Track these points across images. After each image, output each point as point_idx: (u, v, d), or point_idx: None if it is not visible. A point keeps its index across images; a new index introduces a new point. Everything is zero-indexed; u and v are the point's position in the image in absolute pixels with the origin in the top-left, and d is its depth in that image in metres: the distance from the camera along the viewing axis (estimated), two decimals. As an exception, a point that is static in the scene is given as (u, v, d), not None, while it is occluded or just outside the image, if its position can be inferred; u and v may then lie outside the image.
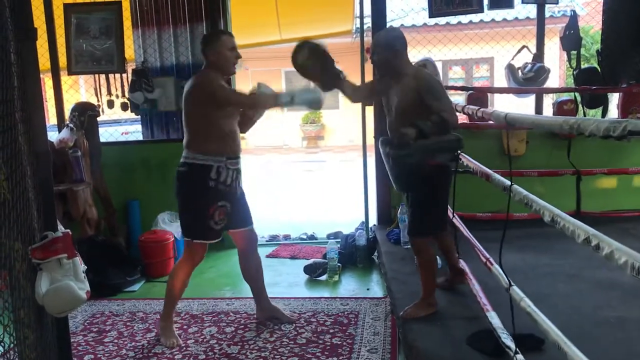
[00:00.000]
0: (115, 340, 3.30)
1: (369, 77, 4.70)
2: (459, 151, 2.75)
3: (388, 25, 4.77)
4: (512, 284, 2.05)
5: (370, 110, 4.72)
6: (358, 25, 5.64)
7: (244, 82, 14.59)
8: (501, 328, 2.22)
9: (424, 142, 2.64)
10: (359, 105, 4.91)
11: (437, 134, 2.65)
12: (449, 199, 2.90)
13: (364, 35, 4.91)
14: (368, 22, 4.89)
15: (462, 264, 3.05)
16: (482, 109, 2.28)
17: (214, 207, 3.07)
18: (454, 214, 3.08)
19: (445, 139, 2.69)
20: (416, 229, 2.88)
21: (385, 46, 2.82)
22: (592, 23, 5.89)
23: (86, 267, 2.08)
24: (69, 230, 2.03)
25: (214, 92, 3.01)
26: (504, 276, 2.11)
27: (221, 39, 3.11)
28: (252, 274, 3.41)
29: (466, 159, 2.82)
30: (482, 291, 2.62)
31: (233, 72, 3.21)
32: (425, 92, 2.71)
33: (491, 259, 2.41)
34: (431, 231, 2.91)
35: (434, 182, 2.80)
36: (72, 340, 3.12)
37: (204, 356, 3.03)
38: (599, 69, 4.70)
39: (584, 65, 4.82)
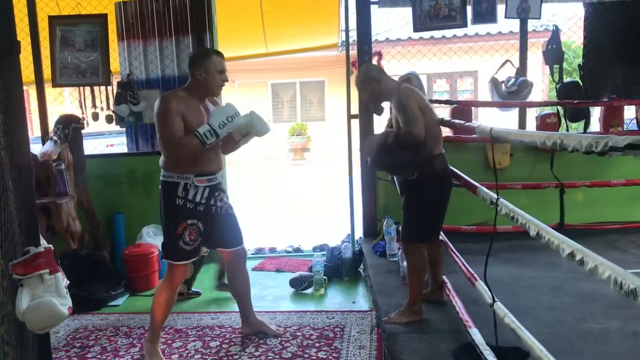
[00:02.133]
0: (99, 356, 3.25)
1: (354, 90, 4.72)
2: (425, 169, 2.79)
3: (373, 38, 4.81)
4: (496, 299, 2.06)
5: (355, 123, 4.73)
6: (344, 39, 5.67)
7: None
8: (483, 344, 2.22)
9: (383, 155, 2.82)
10: (344, 118, 4.94)
11: (401, 149, 2.74)
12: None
13: (350, 48, 4.94)
14: (353, 35, 4.93)
15: (445, 279, 3.06)
16: (467, 123, 2.30)
17: (182, 226, 3.00)
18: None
19: (398, 155, 2.76)
20: (404, 233, 2.93)
21: (366, 82, 2.92)
22: (573, 38, 5.98)
23: (69, 282, 2.06)
24: (51, 246, 2.01)
25: (158, 120, 2.92)
26: (488, 292, 2.12)
27: (212, 59, 3.00)
28: (239, 288, 3.38)
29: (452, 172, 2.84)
30: (463, 307, 2.62)
31: (218, 94, 3.10)
32: (398, 113, 2.79)
33: (475, 275, 2.42)
34: (419, 238, 2.92)
35: (425, 189, 2.84)
36: (54, 356, 3.09)
37: (188, 371, 3.00)
38: (581, 83, 4.78)
39: (566, 79, 4.88)
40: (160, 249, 3.15)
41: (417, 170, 2.80)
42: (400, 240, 3.03)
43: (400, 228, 3.01)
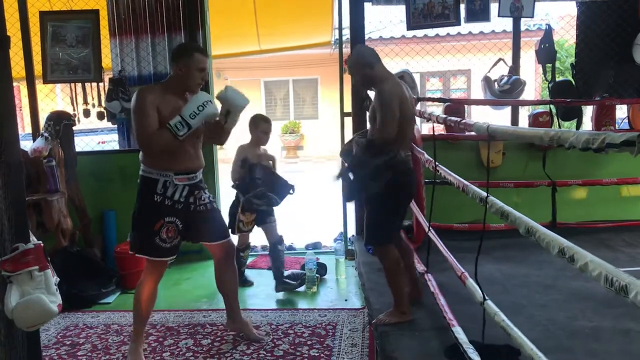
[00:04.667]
0: (89, 354, 3.24)
1: (347, 88, 4.73)
2: (392, 176, 2.75)
3: (367, 36, 4.80)
4: (487, 298, 2.06)
5: (349, 120, 4.73)
6: (337, 37, 5.66)
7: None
8: (466, 342, 2.22)
9: (357, 167, 2.79)
10: (338, 116, 4.94)
11: (371, 153, 2.73)
12: (409, 211, 2.97)
13: (343, 46, 4.94)
14: (347, 33, 4.92)
15: (430, 277, 3.05)
16: (464, 120, 2.29)
17: (160, 223, 2.95)
18: (430, 227, 3.09)
19: (372, 165, 2.73)
20: (374, 237, 2.93)
21: (359, 65, 2.87)
22: (566, 37, 5.99)
23: (59, 279, 2.04)
24: (40, 242, 1.99)
25: (133, 114, 2.91)
26: (479, 290, 2.12)
27: (193, 56, 2.94)
28: (226, 285, 3.34)
29: (443, 171, 2.84)
30: (447, 305, 2.62)
31: (195, 91, 3.01)
32: (376, 105, 2.75)
33: (466, 273, 2.41)
34: (390, 239, 2.91)
35: (391, 193, 2.78)
36: (44, 353, 3.07)
37: (179, 369, 2.99)
38: (574, 82, 4.79)
39: (558, 78, 4.90)
40: (131, 243, 3.09)
41: (387, 179, 2.74)
42: (369, 244, 3.03)
43: (364, 232, 3.00)
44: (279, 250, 4.13)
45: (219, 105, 3.02)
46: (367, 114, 3.07)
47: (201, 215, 3.11)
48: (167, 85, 3.02)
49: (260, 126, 4.12)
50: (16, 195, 2.05)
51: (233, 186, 4.07)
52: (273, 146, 14.53)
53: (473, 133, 3.50)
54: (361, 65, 2.86)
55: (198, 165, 3.10)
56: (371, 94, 3.06)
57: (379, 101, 2.74)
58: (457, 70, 11.14)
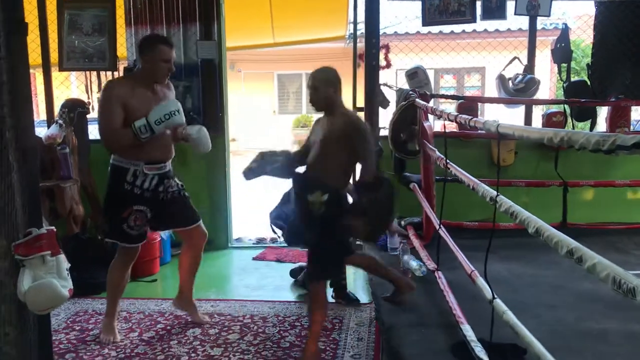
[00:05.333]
0: (98, 339, 3.27)
1: (360, 83, 4.72)
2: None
3: (381, 32, 4.79)
4: (496, 296, 2.06)
5: (361, 115, 4.72)
6: (351, 31, 5.65)
7: (236, 84, 14.57)
8: (474, 340, 2.22)
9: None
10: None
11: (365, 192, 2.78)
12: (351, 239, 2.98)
13: (357, 41, 4.93)
14: (361, 28, 4.92)
15: (439, 274, 3.05)
16: (474, 119, 2.28)
17: (128, 211, 3.06)
18: (440, 225, 3.09)
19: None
20: (318, 273, 2.94)
21: (327, 82, 2.86)
22: (583, 37, 5.94)
23: (70, 264, 2.07)
24: (53, 227, 2.01)
25: (99, 107, 3.04)
26: (488, 288, 2.12)
27: (157, 48, 3.00)
28: (187, 266, 3.45)
29: (454, 168, 2.83)
30: (456, 303, 2.63)
31: (162, 82, 3.11)
32: (357, 140, 2.77)
33: (475, 271, 2.41)
34: (322, 276, 2.94)
35: (321, 227, 2.81)
36: (54, 338, 3.11)
37: (186, 357, 3.01)
38: (589, 83, 4.76)
39: (574, 78, 4.86)
40: (100, 228, 3.21)
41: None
42: (309, 279, 3.04)
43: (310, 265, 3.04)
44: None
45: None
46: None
47: (172, 202, 3.21)
48: (136, 77, 3.18)
49: None
50: (30, 181, 2.07)
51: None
52: (285, 140, 14.62)
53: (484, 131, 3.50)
54: (331, 82, 2.84)
55: (168, 156, 3.18)
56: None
57: (357, 139, 2.77)
58: (471, 67, 11.08)
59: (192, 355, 3.04)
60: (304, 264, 4.31)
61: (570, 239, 1.43)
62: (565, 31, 4.81)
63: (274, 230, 3.24)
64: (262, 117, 14.43)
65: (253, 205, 6.71)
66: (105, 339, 3.21)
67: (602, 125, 5.23)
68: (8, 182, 1.91)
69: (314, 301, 2.91)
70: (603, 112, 5.37)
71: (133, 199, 3.07)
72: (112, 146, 3.04)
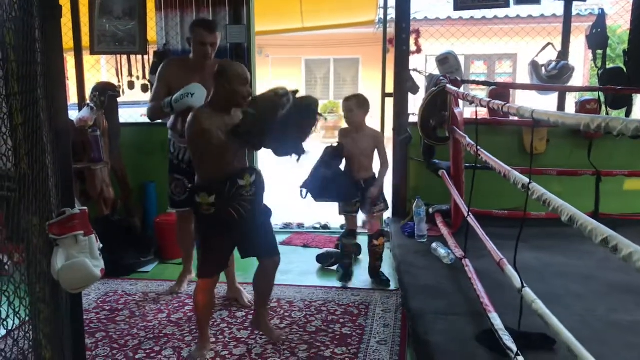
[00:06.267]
0: (127, 320, 3.34)
1: (390, 68, 4.67)
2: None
3: (412, 16, 4.72)
4: (525, 285, 2.03)
5: (390, 102, 4.69)
6: (381, 16, 5.59)
7: (264, 69, 14.53)
8: (502, 329, 2.20)
9: None
10: (378, 97, 4.90)
11: None
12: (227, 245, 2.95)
13: (387, 26, 4.87)
14: (391, 12, 4.85)
15: (467, 262, 3.02)
16: (508, 104, 2.24)
17: (171, 177, 3.57)
18: (469, 212, 3.05)
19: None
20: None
21: (231, 78, 2.77)
22: (619, 22, 5.78)
23: (101, 245, 2.10)
24: (85, 208, 2.04)
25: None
26: (517, 277, 2.09)
27: (195, 31, 3.34)
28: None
29: (485, 155, 2.79)
30: (484, 291, 2.60)
31: (202, 62, 3.36)
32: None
33: (504, 259, 2.38)
34: (203, 274, 2.91)
35: (204, 226, 2.86)
36: (85, 317, 3.17)
37: (213, 339, 3.05)
38: (625, 70, 4.62)
39: (609, 65, 4.74)
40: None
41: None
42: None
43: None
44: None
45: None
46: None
47: None
48: (186, 58, 3.52)
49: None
50: (63, 162, 2.10)
51: None
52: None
53: (516, 118, 3.43)
54: (228, 78, 2.73)
55: None
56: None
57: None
58: (503, 54, 10.90)
59: (220, 337, 3.07)
60: (331, 249, 4.32)
61: (605, 227, 1.40)
62: (601, 16, 4.68)
63: (301, 193, 3.80)
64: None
65: (279, 190, 6.74)
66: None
67: (637, 113, 5.10)
68: (42, 163, 1.94)
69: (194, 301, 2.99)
70: (639, 100, 5.23)
71: (173, 168, 3.56)
72: (149, 116, 3.44)
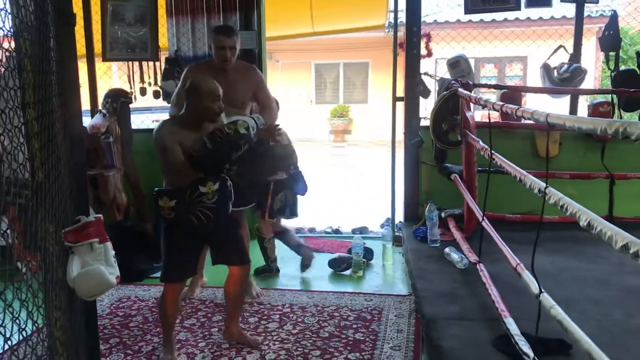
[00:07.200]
0: (141, 325, 3.34)
1: (400, 72, 4.67)
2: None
3: (422, 19, 4.71)
4: (543, 290, 2.01)
5: (400, 105, 4.68)
6: (391, 20, 5.59)
7: (274, 74, 14.60)
8: (518, 334, 2.18)
9: None
10: (389, 101, 4.89)
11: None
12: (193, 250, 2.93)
13: (397, 30, 4.86)
14: (401, 16, 4.85)
15: (482, 267, 3.00)
16: (521, 108, 2.22)
17: None
18: (484, 216, 3.03)
19: None
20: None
21: (194, 91, 2.81)
22: (633, 23, 5.74)
23: (114, 251, 2.11)
24: (100, 216, 2.05)
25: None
26: (535, 282, 2.07)
27: (214, 37, 3.42)
28: None
29: (499, 159, 2.77)
30: (499, 296, 2.58)
31: (221, 66, 3.41)
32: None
33: (521, 264, 2.36)
34: (163, 278, 2.93)
35: (166, 230, 2.88)
36: (98, 323, 3.18)
37: (227, 345, 3.05)
38: (638, 71, 4.59)
39: (622, 67, 4.70)
40: None
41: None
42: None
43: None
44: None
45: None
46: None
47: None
48: (213, 60, 3.52)
49: None
50: (78, 169, 2.12)
51: None
52: (321, 129, 14.62)
53: (529, 121, 3.41)
54: (200, 95, 2.73)
55: None
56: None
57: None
58: (513, 56, 10.86)
59: (233, 342, 3.07)
60: (343, 254, 4.31)
61: (625, 232, 1.38)
62: (614, 18, 4.64)
63: None
64: (299, 106, 14.45)
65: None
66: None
67: (650, 116, 5.05)
68: (58, 171, 1.95)
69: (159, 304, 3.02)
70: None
71: None
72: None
